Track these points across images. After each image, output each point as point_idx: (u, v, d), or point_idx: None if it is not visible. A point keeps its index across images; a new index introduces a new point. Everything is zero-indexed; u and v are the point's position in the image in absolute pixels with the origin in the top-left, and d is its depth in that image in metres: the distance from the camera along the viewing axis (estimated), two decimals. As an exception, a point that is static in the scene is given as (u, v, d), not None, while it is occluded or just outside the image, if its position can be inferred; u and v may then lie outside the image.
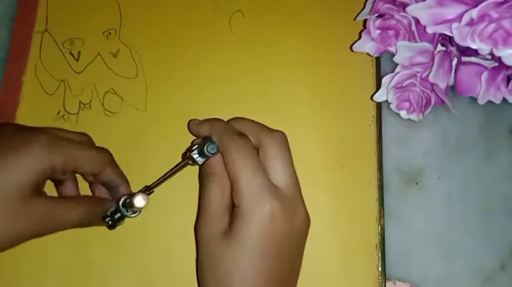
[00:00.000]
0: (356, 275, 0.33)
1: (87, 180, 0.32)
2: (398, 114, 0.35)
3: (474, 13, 0.28)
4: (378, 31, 0.34)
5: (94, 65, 0.35)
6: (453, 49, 0.34)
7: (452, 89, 0.36)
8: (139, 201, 0.27)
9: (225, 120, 0.31)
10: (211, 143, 0.29)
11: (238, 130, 0.30)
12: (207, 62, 0.36)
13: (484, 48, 0.29)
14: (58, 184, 0.31)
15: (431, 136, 0.37)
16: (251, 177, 0.27)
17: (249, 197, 0.27)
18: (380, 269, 0.33)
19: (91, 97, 0.35)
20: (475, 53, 0.31)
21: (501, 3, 0.27)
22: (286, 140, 0.30)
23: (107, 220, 0.29)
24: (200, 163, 0.30)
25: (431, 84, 0.33)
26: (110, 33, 0.36)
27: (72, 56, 0.35)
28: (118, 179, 0.31)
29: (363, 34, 0.35)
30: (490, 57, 0.34)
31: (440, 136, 0.37)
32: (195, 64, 0.36)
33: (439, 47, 0.34)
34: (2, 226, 0.25)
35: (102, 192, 0.32)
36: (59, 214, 0.27)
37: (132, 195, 0.28)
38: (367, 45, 0.35)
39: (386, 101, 0.35)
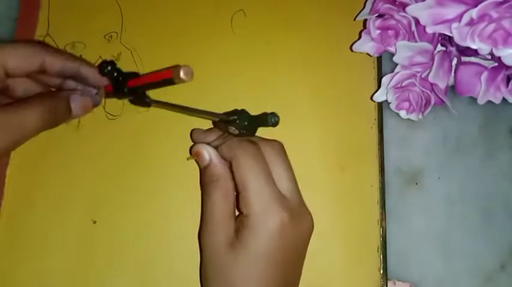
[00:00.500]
0: (358, 278, 0.33)
1: (54, 87, 0.31)
2: (398, 114, 0.35)
3: (474, 13, 0.28)
4: (378, 31, 0.34)
5: (96, 69, 0.35)
6: (453, 49, 0.34)
7: (452, 89, 0.36)
8: None
9: None
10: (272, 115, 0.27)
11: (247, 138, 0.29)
12: (209, 64, 0.36)
13: (483, 48, 0.29)
14: (4, 91, 0.29)
15: (431, 136, 0.37)
16: (262, 186, 0.27)
17: (259, 208, 0.26)
18: (382, 271, 0.33)
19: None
20: (475, 53, 0.31)
21: (501, 3, 0.27)
22: (284, 149, 0.30)
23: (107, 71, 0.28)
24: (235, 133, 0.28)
25: (431, 84, 0.33)
26: (111, 37, 0.36)
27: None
28: (71, 62, 0.29)
29: (362, 34, 0.35)
30: (489, 57, 0.34)
31: (440, 136, 0.37)
32: (197, 66, 0.35)
33: (439, 47, 0.34)
34: None
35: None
36: (13, 121, 0.25)
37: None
38: (367, 45, 0.35)
39: (387, 102, 0.35)
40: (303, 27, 0.37)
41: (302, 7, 0.37)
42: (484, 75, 0.33)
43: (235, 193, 0.29)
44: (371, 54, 0.35)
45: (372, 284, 0.33)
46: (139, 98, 0.30)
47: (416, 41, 0.33)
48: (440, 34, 0.33)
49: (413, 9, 0.30)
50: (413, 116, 0.35)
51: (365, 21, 0.36)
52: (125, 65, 0.35)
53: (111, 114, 0.35)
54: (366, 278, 0.33)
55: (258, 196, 0.27)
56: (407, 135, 0.37)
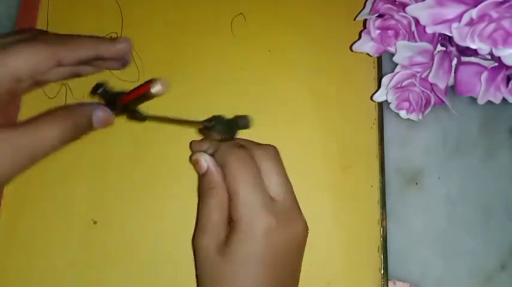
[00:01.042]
0: (358, 278, 0.33)
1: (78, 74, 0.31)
2: (398, 114, 0.35)
3: (474, 13, 0.28)
4: (378, 31, 0.34)
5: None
6: (453, 49, 0.34)
7: (452, 89, 0.36)
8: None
9: None
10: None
11: (238, 143, 0.29)
12: (209, 65, 0.36)
13: (483, 48, 0.29)
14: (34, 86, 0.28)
15: (431, 136, 0.37)
16: (250, 192, 0.27)
17: (246, 213, 0.27)
18: (382, 271, 0.33)
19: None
20: (475, 53, 0.31)
21: (501, 3, 0.27)
22: (278, 153, 0.30)
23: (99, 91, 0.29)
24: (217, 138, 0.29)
25: (431, 84, 0.33)
26: (111, 37, 0.36)
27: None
28: (86, 50, 0.28)
29: (362, 34, 0.35)
30: (489, 57, 0.34)
31: (440, 136, 0.37)
32: (197, 67, 0.36)
33: (439, 47, 0.34)
34: None
35: None
36: (34, 143, 0.24)
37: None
38: (367, 45, 0.35)
39: (387, 102, 0.35)
40: (302, 27, 0.37)
41: (302, 8, 0.38)
42: (484, 75, 0.33)
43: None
44: (371, 54, 0.35)
45: (373, 284, 0.33)
46: (133, 114, 0.30)
47: (416, 41, 0.33)
48: (440, 34, 0.33)
49: (413, 9, 0.30)
50: (413, 116, 0.35)
51: (365, 21, 0.36)
52: (125, 65, 0.35)
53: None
54: (367, 278, 0.33)
55: (245, 201, 0.27)
56: (407, 135, 0.37)
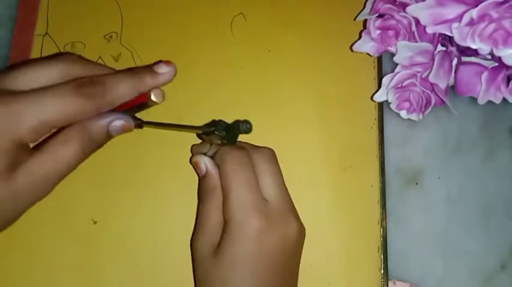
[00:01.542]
0: (358, 278, 0.33)
1: None
2: (398, 114, 0.35)
3: (474, 13, 0.28)
4: (378, 31, 0.34)
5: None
6: (453, 49, 0.34)
7: (453, 89, 0.36)
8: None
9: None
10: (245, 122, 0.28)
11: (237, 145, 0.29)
12: (209, 65, 0.36)
13: (484, 48, 0.29)
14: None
15: (431, 136, 0.37)
16: (243, 192, 0.27)
17: (237, 214, 0.27)
18: (382, 271, 0.33)
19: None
20: (475, 53, 0.31)
21: (501, 3, 0.27)
22: (275, 156, 0.30)
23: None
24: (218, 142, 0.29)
25: (432, 84, 0.33)
26: (111, 37, 0.36)
27: (73, 58, 0.35)
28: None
29: (363, 34, 0.35)
30: (490, 57, 0.34)
31: (441, 136, 0.37)
32: (197, 67, 0.36)
33: (439, 47, 0.34)
34: None
35: None
36: (51, 166, 0.24)
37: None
38: (367, 45, 0.35)
39: (387, 102, 0.35)
40: (302, 28, 0.37)
41: (302, 8, 0.37)
42: (484, 75, 0.33)
43: None
44: (371, 54, 0.35)
45: (373, 284, 0.33)
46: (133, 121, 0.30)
47: (416, 41, 0.33)
48: (440, 34, 0.33)
49: (413, 9, 0.30)
50: (413, 116, 0.35)
51: (365, 21, 0.35)
52: (125, 66, 0.35)
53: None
54: (367, 278, 0.33)
55: (237, 202, 0.27)
56: (407, 135, 0.37)
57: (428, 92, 0.34)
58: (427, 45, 0.32)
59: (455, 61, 0.35)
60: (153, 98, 0.26)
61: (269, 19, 0.37)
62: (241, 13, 0.37)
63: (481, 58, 0.34)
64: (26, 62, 0.25)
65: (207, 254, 0.27)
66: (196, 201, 0.31)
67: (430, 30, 0.30)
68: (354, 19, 0.37)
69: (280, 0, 0.37)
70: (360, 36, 0.35)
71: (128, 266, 0.32)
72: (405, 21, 0.32)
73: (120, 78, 0.26)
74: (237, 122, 0.28)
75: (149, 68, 0.27)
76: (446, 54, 0.34)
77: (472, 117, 0.38)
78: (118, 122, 0.26)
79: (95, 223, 0.32)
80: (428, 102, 0.34)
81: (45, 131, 0.24)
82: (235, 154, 0.28)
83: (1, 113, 0.22)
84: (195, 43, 0.36)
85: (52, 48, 0.35)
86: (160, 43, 0.36)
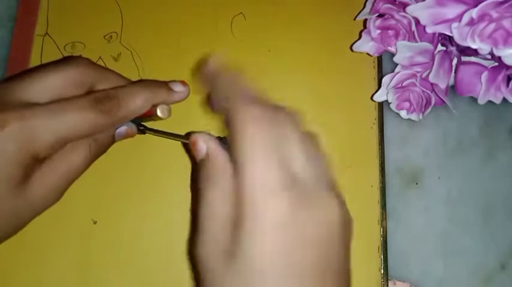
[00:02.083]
0: (358, 278, 0.33)
1: None
2: (398, 114, 0.35)
3: (474, 13, 0.28)
4: (378, 31, 0.34)
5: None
6: (453, 49, 0.34)
7: (453, 89, 0.36)
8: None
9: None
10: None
11: (255, 95, 0.22)
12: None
13: (484, 48, 0.29)
14: None
15: (431, 136, 0.37)
16: (260, 170, 0.20)
17: (256, 198, 0.20)
18: (382, 271, 0.33)
19: None
20: (475, 52, 0.31)
21: (501, 3, 0.27)
22: (302, 118, 0.23)
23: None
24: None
25: (432, 84, 0.33)
26: (111, 37, 0.36)
27: (73, 58, 0.35)
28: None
29: (363, 34, 0.35)
30: (490, 57, 0.34)
31: (441, 136, 0.37)
32: (197, 67, 0.36)
33: (439, 47, 0.34)
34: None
35: None
36: (63, 172, 0.24)
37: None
38: (367, 45, 0.35)
39: (387, 101, 0.35)
40: (302, 28, 0.37)
41: (302, 8, 0.37)
42: (485, 75, 0.33)
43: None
44: (371, 54, 0.35)
45: (373, 284, 0.33)
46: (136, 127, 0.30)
47: (416, 41, 0.33)
48: (440, 34, 0.33)
49: (413, 9, 0.30)
50: (413, 116, 0.35)
51: (365, 21, 0.35)
52: (125, 66, 0.35)
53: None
54: (367, 278, 0.33)
55: (253, 183, 0.20)
56: (407, 135, 0.37)
57: (428, 92, 0.34)
58: (427, 45, 0.32)
59: (455, 61, 0.35)
60: (159, 113, 0.27)
61: (269, 19, 0.37)
62: (241, 13, 0.37)
63: (481, 58, 0.34)
64: (38, 69, 0.25)
65: (217, 263, 0.21)
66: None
67: (430, 30, 0.30)
68: (354, 19, 0.37)
69: (280, 0, 0.37)
70: (360, 36, 0.35)
71: (128, 266, 0.32)
72: (405, 21, 0.32)
73: (135, 93, 0.26)
74: None
75: (165, 85, 0.28)
76: (446, 54, 0.34)
77: (472, 117, 0.38)
78: (122, 128, 0.27)
79: (95, 223, 0.32)
80: (428, 102, 0.34)
81: (61, 146, 0.24)
82: (252, 111, 0.21)
83: (20, 128, 0.22)
84: (195, 43, 0.36)
85: (52, 48, 0.35)
86: (160, 43, 0.36)
